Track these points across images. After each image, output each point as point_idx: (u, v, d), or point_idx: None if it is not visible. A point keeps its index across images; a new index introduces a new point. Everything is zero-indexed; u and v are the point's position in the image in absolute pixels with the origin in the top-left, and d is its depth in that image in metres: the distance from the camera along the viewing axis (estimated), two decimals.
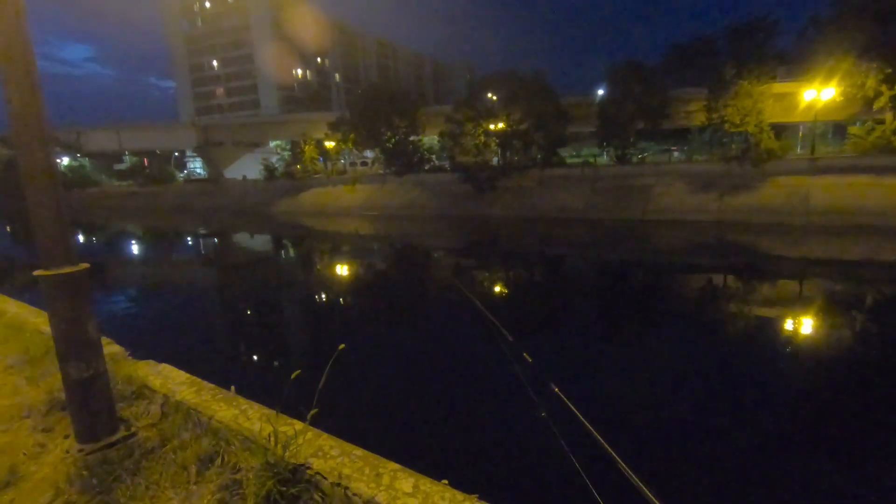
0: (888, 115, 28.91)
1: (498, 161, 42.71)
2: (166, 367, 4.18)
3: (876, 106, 28.97)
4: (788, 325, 12.76)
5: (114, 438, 3.11)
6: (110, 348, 4.65)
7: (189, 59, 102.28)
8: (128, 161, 71.86)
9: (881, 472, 6.44)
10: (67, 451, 3.09)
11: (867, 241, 24.21)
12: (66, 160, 67.26)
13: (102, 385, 3.13)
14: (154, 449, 3.06)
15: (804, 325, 12.71)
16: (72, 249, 3.07)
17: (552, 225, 34.11)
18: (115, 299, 16.76)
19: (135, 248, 33.63)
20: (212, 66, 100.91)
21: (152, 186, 62.77)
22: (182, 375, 3.98)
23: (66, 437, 3.27)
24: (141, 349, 4.98)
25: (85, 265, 3.08)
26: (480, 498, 2.39)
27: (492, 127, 40.36)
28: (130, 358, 4.60)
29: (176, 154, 76.83)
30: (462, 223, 37.31)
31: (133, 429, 3.24)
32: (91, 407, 3.07)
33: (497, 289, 18.51)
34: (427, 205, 42.02)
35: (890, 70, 27.66)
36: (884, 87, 28.17)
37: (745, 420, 7.85)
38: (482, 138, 40.43)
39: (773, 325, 12.81)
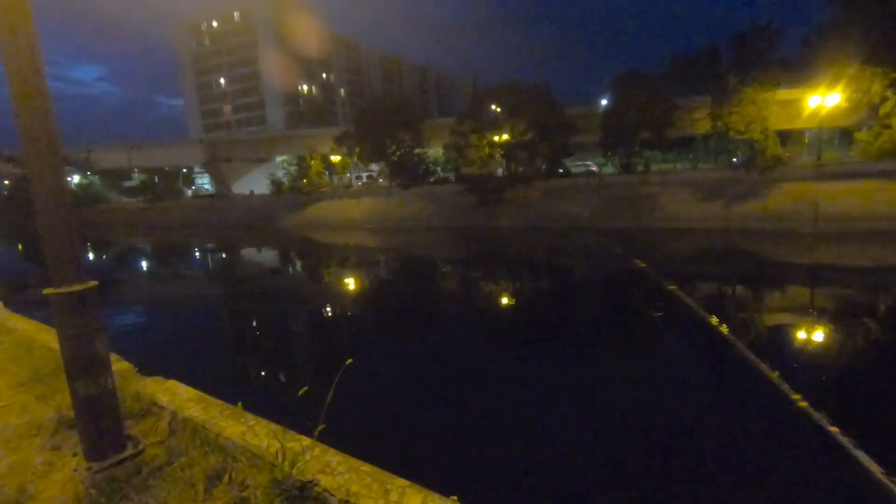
0: (895, 120, 28.73)
1: (503, 172, 42.84)
2: (174, 384, 4.18)
3: (882, 111, 28.82)
4: (802, 333, 12.58)
5: (122, 456, 3.09)
6: (119, 365, 4.66)
7: (197, 77, 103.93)
8: (137, 178, 72.79)
9: None
10: (76, 470, 3.08)
11: (877, 246, 23.92)
12: (76, 178, 68.26)
13: (111, 402, 3.13)
14: (162, 466, 3.05)
15: (819, 334, 12.52)
16: (81, 267, 3.09)
17: (558, 235, 34.03)
18: (123, 315, 16.85)
19: (144, 264, 33.91)
20: (219, 84, 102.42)
21: (161, 203, 63.53)
22: (190, 392, 3.97)
23: (75, 455, 3.26)
24: (149, 365, 4.99)
25: (93, 282, 3.10)
26: None
27: (496, 138, 40.56)
28: (139, 374, 4.61)
29: (184, 170, 77.72)
30: (468, 234, 37.31)
31: (141, 446, 3.23)
32: (99, 424, 3.06)
33: (505, 300, 18.44)
34: (433, 217, 42.12)
35: (895, 75, 27.56)
36: (889, 92, 28.05)
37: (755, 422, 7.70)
38: (487, 150, 40.61)
39: (788, 333, 12.64)
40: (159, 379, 4.36)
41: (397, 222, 43.13)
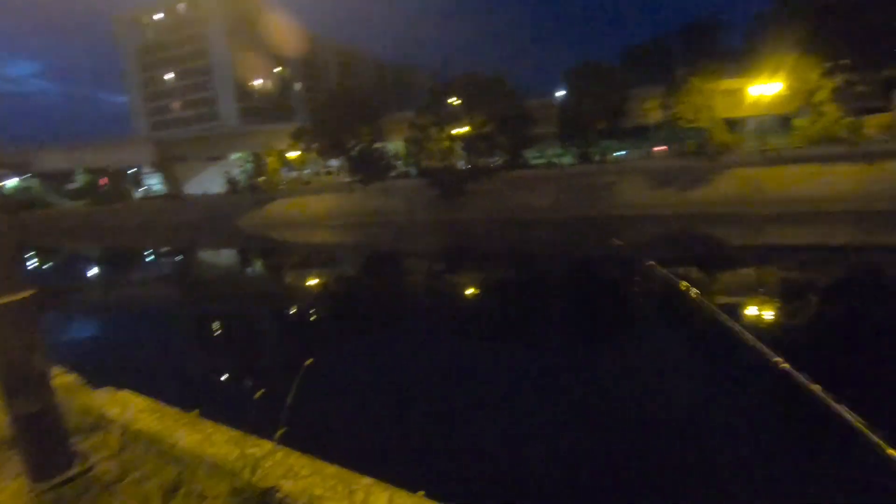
0: (830, 107, 30.47)
1: (464, 165, 42.99)
2: (125, 394, 3.99)
3: (816, 99, 30.50)
4: (752, 310, 13.23)
5: (69, 475, 2.92)
6: (64, 378, 4.42)
7: (142, 72, 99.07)
8: (80, 180, 69.00)
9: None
10: (18, 493, 2.89)
11: (817, 226, 25.42)
12: (13, 181, 64.13)
13: (54, 418, 2.95)
14: (113, 482, 2.90)
15: (776, 311, 13.20)
16: (15, 276, 2.88)
17: (521, 226, 34.47)
18: (70, 325, 16.00)
19: (92, 271, 32.24)
20: (167, 79, 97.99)
21: (108, 205, 60.47)
22: (143, 402, 3.80)
23: (17, 476, 3.06)
24: (99, 377, 4.74)
25: (29, 291, 2.90)
26: None
27: (456, 131, 40.61)
28: (87, 386, 4.37)
29: (132, 171, 74.18)
30: (431, 228, 37.31)
31: (90, 462, 3.06)
32: (42, 443, 2.88)
33: (470, 290, 18.56)
34: (395, 211, 41.85)
35: (829, 64, 29.20)
36: (824, 81, 29.71)
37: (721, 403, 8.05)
38: (447, 143, 40.61)
39: (738, 311, 13.26)
40: (110, 390, 4.15)
41: (359, 218, 42.63)
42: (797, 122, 33.46)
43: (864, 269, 17.99)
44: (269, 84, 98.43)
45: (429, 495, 2.47)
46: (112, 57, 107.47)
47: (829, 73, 29.44)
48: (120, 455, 3.16)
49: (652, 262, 3.18)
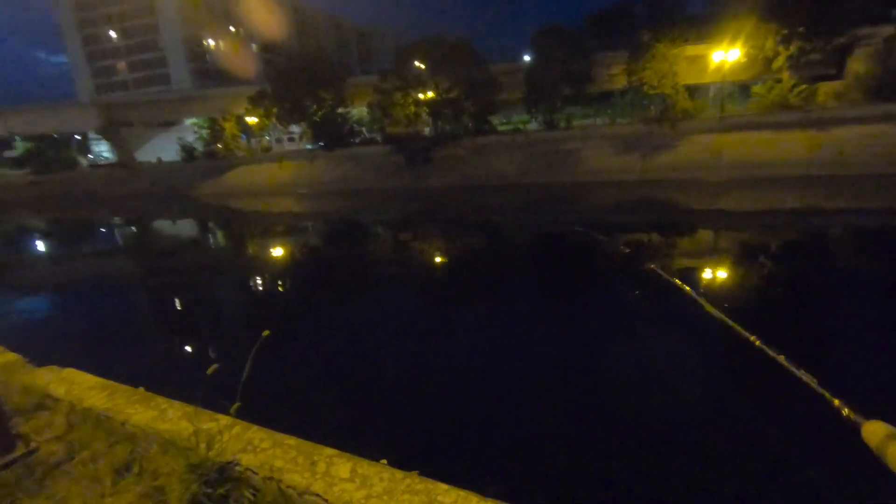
0: (785, 75, 31.24)
1: (430, 131, 42.27)
2: (72, 372, 3.79)
3: (774, 66, 31.20)
4: (708, 273, 13.76)
5: (10, 458, 2.77)
6: (4, 357, 4.17)
7: (81, 29, 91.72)
8: (19, 147, 64.36)
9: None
10: None
11: (773, 191, 26.44)
12: None
13: None
14: (60, 464, 2.76)
15: (727, 273, 13.75)
16: None
17: (488, 193, 34.45)
18: (12, 303, 15.16)
19: (35, 244, 30.47)
20: (110, 38, 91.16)
21: (53, 174, 56.83)
22: (91, 379, 3.61)
23: None
24: (43, 355, 4.49)
25: None
26: (421, 474, 2.35)
27: (421, 96, 39.71)
28: (29, 365, 4.13)
29: (78, 137, 69.58)
30: (397, 196, 36.84)
31: (34, 444, 2.91)
32: None
33: (431, 260, 18.57)
34: (360, 179, 41.06)
35: (786, 31, 29.78)
36: (781, 48, 30.34)
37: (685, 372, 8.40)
38: (412, 108, 39.72)
39: (695, 275, 13.75)
40: (54, 368, 3.94)
41: (323, 186, 41.66)
42: (756, 89, 34.20)
43: (808, 232, 18.95)
44: (223, 44, 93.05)
45: (391, 463, 2.45)
46: (48, 11, 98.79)
47: (785, 41, 30.05)
48: (67, 435, 3.01)
49: (652, 266, 3.38)
